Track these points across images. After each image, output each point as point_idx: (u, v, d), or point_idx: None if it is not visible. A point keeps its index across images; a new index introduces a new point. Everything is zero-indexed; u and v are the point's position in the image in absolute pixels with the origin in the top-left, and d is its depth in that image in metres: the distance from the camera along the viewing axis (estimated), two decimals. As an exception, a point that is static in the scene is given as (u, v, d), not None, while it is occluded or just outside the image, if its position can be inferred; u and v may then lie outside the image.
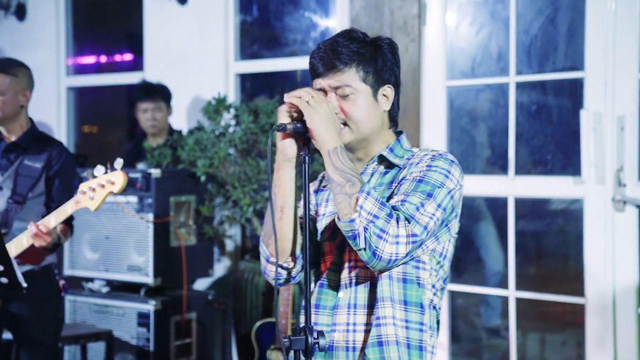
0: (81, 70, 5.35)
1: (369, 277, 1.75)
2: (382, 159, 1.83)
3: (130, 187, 3.66)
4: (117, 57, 5.37)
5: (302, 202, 1.73)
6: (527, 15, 3.61)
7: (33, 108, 5.14)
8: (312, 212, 1.91)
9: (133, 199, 3.66)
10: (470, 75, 3.78)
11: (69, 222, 2.91)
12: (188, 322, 3.75)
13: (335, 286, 1.80)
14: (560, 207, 3.62)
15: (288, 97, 1.69)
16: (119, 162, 2.53)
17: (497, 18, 3.73)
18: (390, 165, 1.82)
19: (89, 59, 5.39)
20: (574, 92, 3.50)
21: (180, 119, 4.56)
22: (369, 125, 1.79)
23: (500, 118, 3.69)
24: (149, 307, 3.61)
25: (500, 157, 3.67)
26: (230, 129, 3.90)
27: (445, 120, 3.77)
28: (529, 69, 3.61)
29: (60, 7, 5.20)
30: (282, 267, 1.80)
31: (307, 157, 1.69)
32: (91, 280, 3.87)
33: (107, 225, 3.75)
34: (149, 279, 3.63)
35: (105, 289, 3.82)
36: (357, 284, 1.76)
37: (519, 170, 3.59)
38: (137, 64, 5.01)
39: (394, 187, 1.76)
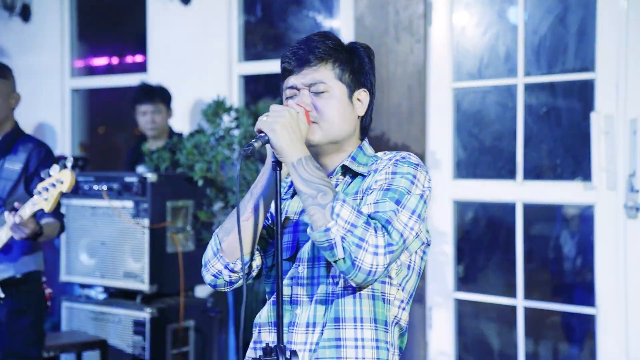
0: (91, 72, 5.30)
1: (330, 295, 1.64)
2: (345, 169, 1.73)
3: (126, 191, 3.59)
4: (127, 59, 5.31)
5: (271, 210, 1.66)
6: (536, 15, 3.48)
7: (38, 110, 5.15)
8: (270, 222, 1.81)
9: (129, 203, 3.57)
10: (477, 76, 3.66)
11: (60, 218, 2.84)
12: (185, 330, 3.66)
13: (291, 302, 1.69)
14: (570, 213, 3.49)
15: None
16: (69, 161, 2.49)
17: (504, 18, 3.60)
18: (354, 174, 1.72)
19: (98, 61, 5.34)
20: (584, 94, 3.37)
21: (184, 122, 4.48)
22: (341, 128, 1.70)
23: (508, 121, 3.56)
24: (145, 314, 3.52)
25: (508, 161, 3.55)
26: (232, 132, 3.81)
27: (451, 123, 3.66)
28: (538, 70, 3.48)
29: (64, 8, 5.15)
30: (227, 268, 1.69)
31: (276, 164, 1.60)
32: (88, 286, 3.79)
33: (103, 231, 3.67)
34: (144, 286, 3.54)
35: (102, 296, 3.74)
36: (316, 301, 1.65)
37: (528, 175, 3.47)
38: (146, 66, 4.95)
39: (359, 197, 1.66)
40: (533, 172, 3.49)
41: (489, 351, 3.78)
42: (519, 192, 3.47)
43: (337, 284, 1.64)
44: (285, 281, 1.70)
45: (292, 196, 1.79)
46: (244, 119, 3.71)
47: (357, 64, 1.73)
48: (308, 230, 1.56)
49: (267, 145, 1.61)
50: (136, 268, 3.57)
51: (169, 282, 3.64)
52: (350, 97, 1.71)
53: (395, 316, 1.68)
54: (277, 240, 1.58)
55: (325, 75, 1.68)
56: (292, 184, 1.80)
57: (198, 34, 4.46)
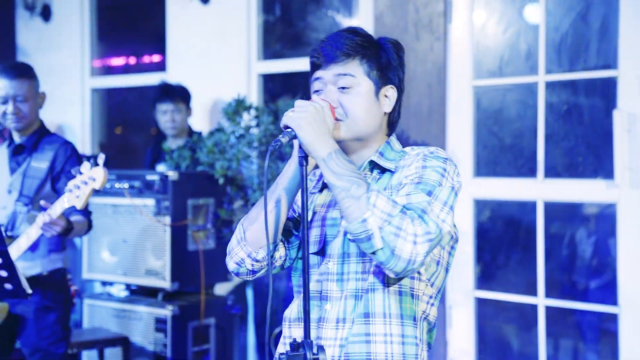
0: (109, 71, 5.34)
1: (359, 290, 1.65)
2: (372, 165, 1.73)
3: (147, 189, 3.61)
4: (146, 59, 5.35)
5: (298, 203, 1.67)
6: (557, 12, 3.47)
7: (58, 109, 5.19)
8: (297, 214, 1.82)
9: (150, 201, 3.60)
10: (497, 74, 3.65)
11: (87, 216, 2.86)
12: (206, 327, 3.68)
13: (320, 298, 1.69)
14: (592, 211, 3.47)
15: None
16: (100, 158, 2.51)
17: (525, 15, 3.59)
18: (382, 170, 1.72)
19: (117, 61, 5.37)
20: (606, 91, 3.35)
21: (203, 120, 4.50)
22: (367, 124, 1.69)
23: (528, 119, 3.55)
24: (166, 312, 3.55)
25: (529, 160, 3.54)
26: (252, 131, 3.82)
27: (471, 121, 3.65)
28: (559, 68, 3.46)
29: (85, 8, 5.19)
30: (249, 256, 1.70)
31: (303, 160, 1.60)
32: (110, 284, 3.82)
33: (125, 229, 3.70)
34: (166, 284, 3.56)
35: (124, 293, 3.77)
36: (346, 297, 1.65)
37: (549, 173, 3.45)
38: (164, 65, 4.98)
39: (387, 193, 1.66)
40: (554, 170, 3.48)
41: (509, 350, 3.77)
42: (539, 190, 3.45)
43: (365, 280, 1.64)
44: (315, 277, 1.70)
45: (321, 190, 1.79)
46: (264, 117, 3.72)
47: (385, 60, 1.72)
48: (343, 222, 1.55)
49: (295, 140, 1.61)
50: (157, 266, 3.59)
51: (190, 280, 3.66)
52: (376, 93, 1.71)
53: (424, 311, 1.68)
54: (304, 236, 1.57)
55: (353, 70, 1.68)
56: (320, 178, 1.80)
57: (217, 33, 4.48)
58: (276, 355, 1.66)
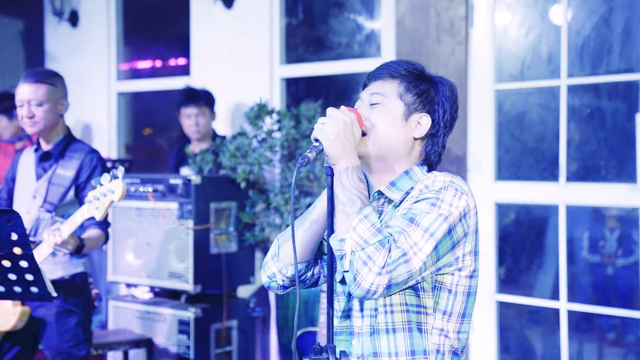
0: (136, 75, 5.41)
1: (371, 327, 1.65)
2: (380, 195, 1.71)
3: (170, 193, 3.66)
4: (172, 62, 5.42)
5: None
6: (580, 16, 3.44)
7: (85, 113, 5.28)
8: None
9: (173, 205, 3.65)
10: (519, 78, 3.64)
11: (103, 228, 2.90)
12: (228, 330, 3.73)
13: (350, 333, 1.71)
14: (614, 215, 3.44)
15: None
16: (120, 171, 2.54)
17: (547, 18, 3.57)
18: (391, 201, 1.70)
19: (143, 64, 5.45)
20: (629, 95, 3.32)
21: (226, 124, 4.55)
22: (389, 141, 1.68)
23: (550, 122, 3.53)
24: (189, 314, 3.59)
25: (550, 163, 3.52)
26: (274, 135, 3.86)
27: (493, 125, 3.64)
28: (582, 71, 3.44)
29: (111, 14, 5.27)
30: (280, 272, 1.74)
31: (330, 170, 1.62)
32: (134, 286, 3.88)
33: (148, 232, 3.76)
34: (189, 286, 3.61)
35: (147, 295, 3.83)
36: (364, 334, 1.67)
37: (571, 177, 3.44)
38: (189, 69, 5.04)
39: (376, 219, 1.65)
40: (576, 174, 3.46)
41: (531, 354, 3.75)
42: (562, 194, 3.44)
43: (375, 317, 1.65)
44: (339, 314, 1.73)
45: None
46: (286, 121, 3.75)
47: (424, 88, 1.72)
48: (332, 236, 1.58)
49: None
50: (180, 268, 3.64)
51: (213, 283, 3.71)
52: (406, 116, 1.70)
53: (436, 344, 1.64)
54: (330, 247, 1.59)
55: (387, 90, 1.71)
56: None
57: (240, 37, 4.52)
58: None
